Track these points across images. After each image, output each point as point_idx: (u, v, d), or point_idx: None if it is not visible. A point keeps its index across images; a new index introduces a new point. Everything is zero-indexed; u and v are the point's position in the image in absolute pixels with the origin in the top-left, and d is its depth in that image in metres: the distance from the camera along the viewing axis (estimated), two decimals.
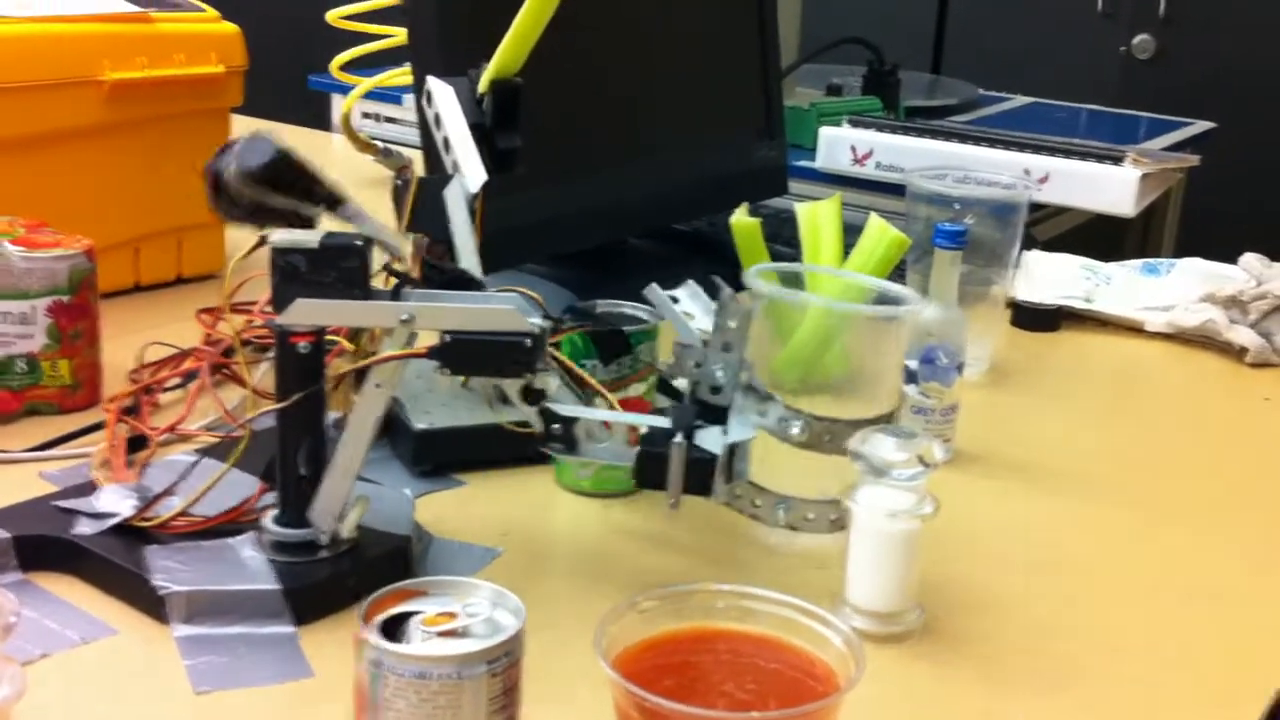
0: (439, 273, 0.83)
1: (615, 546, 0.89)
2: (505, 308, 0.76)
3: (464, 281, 0.82)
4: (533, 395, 0.79)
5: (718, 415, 0.80)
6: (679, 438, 0.76)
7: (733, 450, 0.78)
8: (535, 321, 0.77)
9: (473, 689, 0.55)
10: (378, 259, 0.79)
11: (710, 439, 0.78)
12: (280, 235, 0.76)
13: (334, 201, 0.82)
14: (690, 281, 0.91)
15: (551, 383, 0.79)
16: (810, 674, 0.65)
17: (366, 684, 0.56)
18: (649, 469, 0.78)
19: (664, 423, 0.79)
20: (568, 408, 0.81)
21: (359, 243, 0.76)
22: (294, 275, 0.76)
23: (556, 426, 0.80)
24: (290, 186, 0.80)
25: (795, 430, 0.80)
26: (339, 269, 0.75)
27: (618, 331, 0.92)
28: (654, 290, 0.86)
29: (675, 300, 0.88)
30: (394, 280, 0.80)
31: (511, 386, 0.79)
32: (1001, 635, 0.81)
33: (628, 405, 0.91)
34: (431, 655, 0.55)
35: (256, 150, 0.80)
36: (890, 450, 0.78)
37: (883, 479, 0.78)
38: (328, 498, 0.79)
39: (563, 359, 0.85)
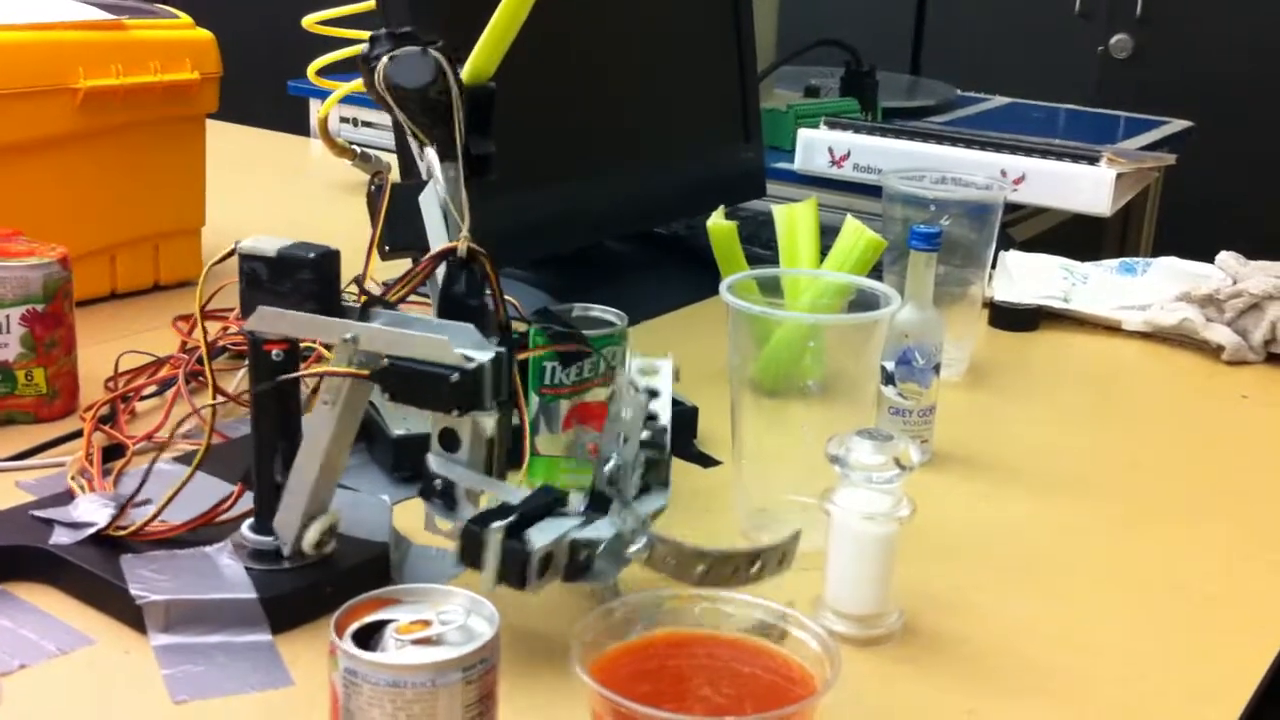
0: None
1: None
2: (438, 338, 0.73)
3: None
4: (446, 439, 0.76)
5: (608, 507, 0.75)
6: (498, 524, 0.71)
7: (576, 547, 0.73)
8: (474, 356, 0.73)
9: (448, 697, 0.55)
10: (346, 270, 0.79)
11: (548, 530, 0.72)
12: (246, 242, 0.76)
13: (445, 152, 0.83)
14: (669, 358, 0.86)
15: (488, 424, 0.75)
16: (787, 677, 0.65)
17: (341, 693, 0.56)
18: (468, 547, 0.72)
19: (514, 499, 0.74)
20: (448, 468, 0.76)
21: (313, 255, 0.75)
22: (257, 283, 0.76)
23: (438, 482, 0.77)
24: (423, 115, 0.81)
25: (636, 547, 0.72)
26: (294, 280, 0.75)
27: (579, 335, 0.92)
28: None
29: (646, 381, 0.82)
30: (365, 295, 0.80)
31: (479, 420, 0.75)
32: (980, 636, 0.82)
33: (588, 410, 0.90)
34: (405, 664, 0.55)
35: (420, 70, 0.80)
36: (867, 453, 0.78)
37: (860, 482, 0.78)
38: (286, 510, 0.79)
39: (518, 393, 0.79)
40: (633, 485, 0.75)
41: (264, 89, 2.18)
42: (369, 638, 0.58)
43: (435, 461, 0.77)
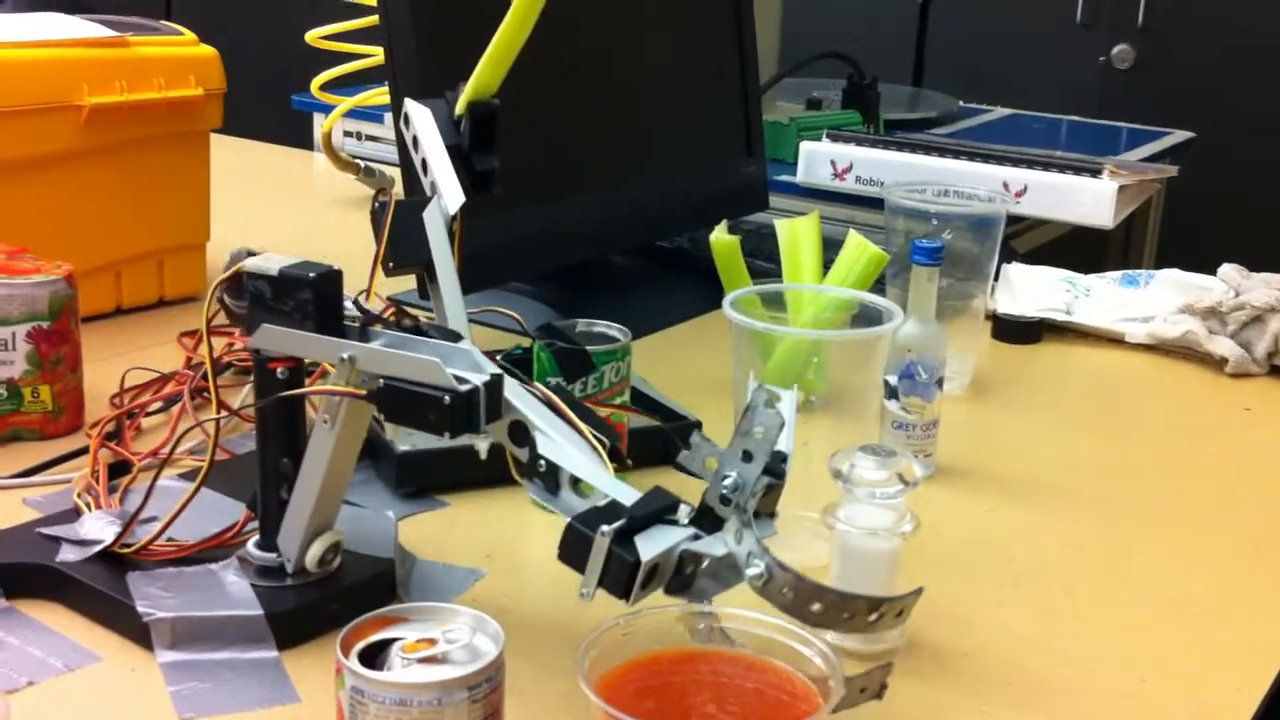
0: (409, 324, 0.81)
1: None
2: (430, 360, 0.72)
3: (436, 333, 0.80)
4: (518, 434, 0.74)
5: (719, 525, 0.70)
6: (608, 528, 0.67)
7: (684, 560, 0.69)
8: (468, 379, 0.72)
9: (454, 715, 0.56)
10: (350, 285, 0.79)
11: (658, 540, 0.69)
12: (251, 261, 0.76)
13: None
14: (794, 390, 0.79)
15: (481, 445, 0.74)
16: (791, 693, 0.65)
17: (347, 712, 0.56)
18: (571, 547, 0.69)
19: (626, 498, 0.71)
20: (557, 452, 0.74)
21: (313, 275, 0.76)
22: (261, 301, 0.76)
23: (542, 464, 0.74)
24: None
25: (754, 570, 0.67)
26: (295, 299, 0.76)
27: (581, 351, 0.92)
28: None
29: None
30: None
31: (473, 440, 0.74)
32: (982, 650, 0.82)
33: None
34: (412, 682, 0.55)
35: (232, 262, 0.79)
36: (870, 469, 0.79)
37: (863, 498, 0.79)
38: (290, 528, 0.79)
39: (558, 401, 0.77)
40: (749, 507, 0.70)
41: (268, 104, 2.19)
42: (375, 656, 0.58)
43: (551, 451, 0.74)
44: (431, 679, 0.55)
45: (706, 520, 0.70)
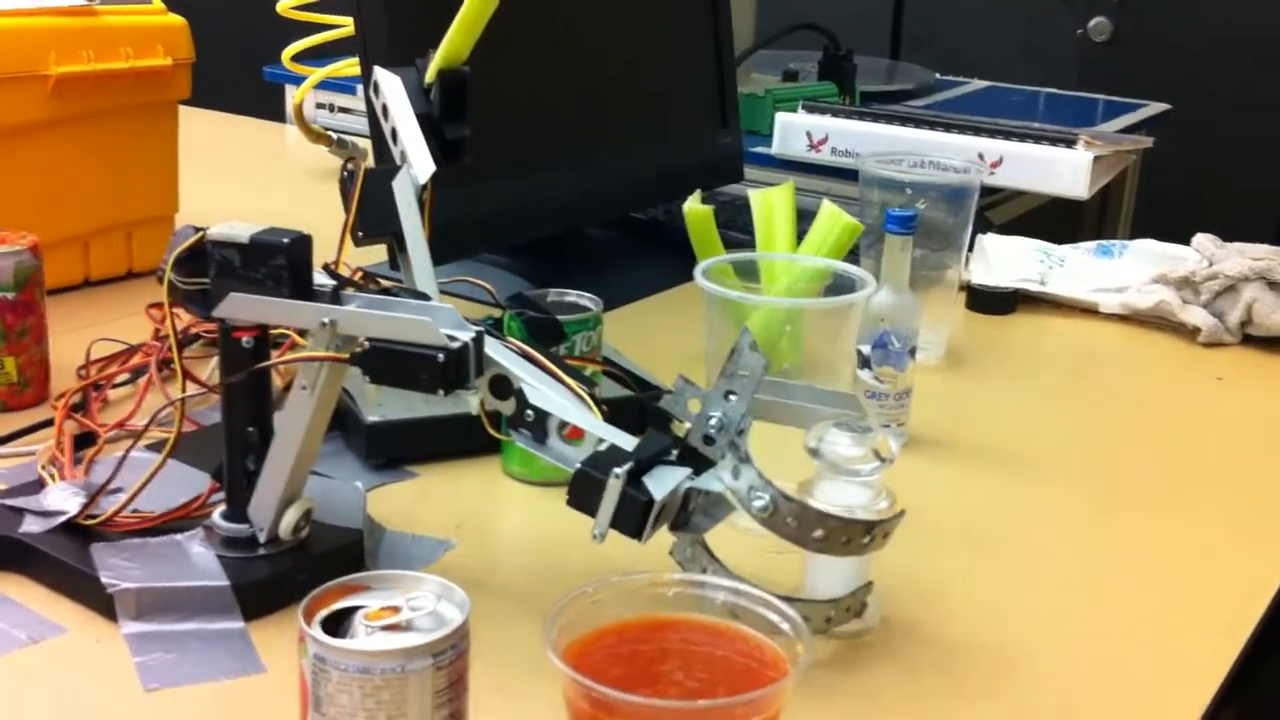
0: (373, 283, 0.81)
1: (570, 536, 0.88)
2: (422, 319, 0.73)
3: (408, 294, 0.80)
4: (500, 388, 0.76)
5: (704, 465, 0.74)
6: (620, 470, 0.70)
7: (687, 498, 0.73)
8: (457, 336, 0.73)
9: (417, 683, 0.55)
10: (319, 257, 0.78)
11: (663, 480, 0.72)
12: (216, 229, 0.75)
13: None
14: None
15: (473, 401, 0.75)
16: (759, 659, 0.65)
17: (310, 680, 0.56)
18: (582, 492, 0.71)
19: (627, 445, 0.73)
20: (545, 399, 0.76)
21: (286, 240, 0.75)
22: (229, 270, 0.75)
23: (529, 414, 0.75)
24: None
25: (759, 504, 0.71)
26: (268, 266, 0.75)
27: (552, 320, 0.91)
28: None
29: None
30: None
31: (462, 396, 0.75)
32: (954, 620, 0.82)
33: None
34: (374, 650, 0.55)
35: (180, 239, 0.79)
36: (845, 445, 0.78)
37: (839, 475, 0.78)
38: (262, 496, 0.78)
39: (532, 353, 0.79)
40: (745, 443, 0.73)
41: (241, 76, 2.17)
42: (339, 624, 0.57)
43: (539, 398, 0.75)
44: (394, 646, 0.55)
45: (691, 460, 0.73)
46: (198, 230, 0.77)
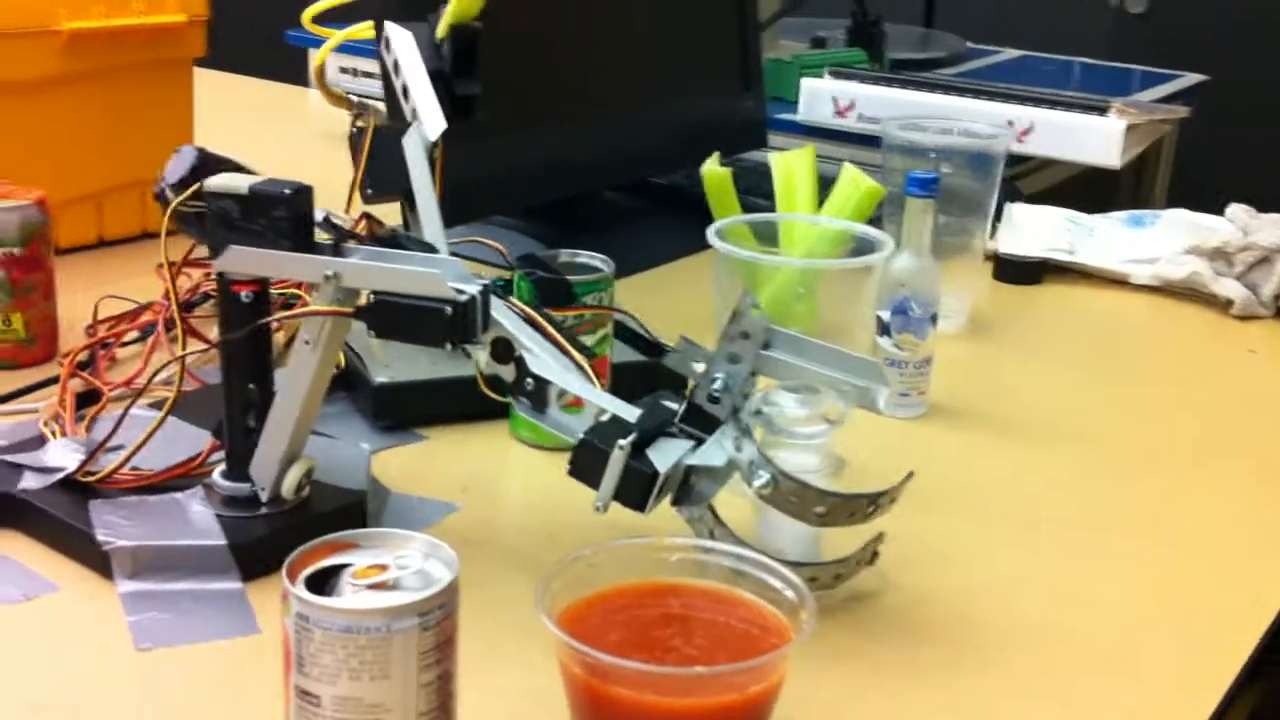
0: (385, 233, 0.79)
1: (576, 501, 0.86)
2: (430, 272, 0.71)
3: (413, 244, 0.78)
4: (501, 351, 0.75)
5: (708, 424, 0.72)
6: (624, 442, 0.69)
7: (690, 471, 0.71)
8: (465, 289, 0.71)
9: (403, 643, 0.53)
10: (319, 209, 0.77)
11: (667, 452, 0.71)
12: (214, 180, 0.74)
13: None
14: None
15: (480, 356, 0.74)
16: (762, 626, 0.63)
17: (293, 639, 0.54)
18: (584, 463, 0.70)
19: (629, 416, 0.72)
20: (547, 368, 0.74)
21: (287, 191, 0.73)
22: (227, 221, 0.74)
23: (529, 382, 0.74)
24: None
25: (760, 481, 0.70)
26: (269, 218, 0.73)
27: (562, 280, 0.89)
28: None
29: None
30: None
31: (471, 352, 0.74)
32: (967, 590, 0.79)
33: None
34: (358, 608, 0.53)
35: (181, 160, 0.78)
36: (791, 406, 0.75)
37: (783, 438, 0.76)
38: (264, 455, 0.77)
39: (536, 316, 0.77)
40: (745, 416, 0.72)
41: (265, 40, 2.15)
42: (325, 583, 0.56)
43: (540, 367, 0.74)
44: (379, 605, 0.53)
45: (696, 418, 0.72)
46: (200, 151, 0.76)
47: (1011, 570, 0.82)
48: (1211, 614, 0.79)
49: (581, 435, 0.71)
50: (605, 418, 0.72)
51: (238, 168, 0.78)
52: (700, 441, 0.72)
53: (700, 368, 0.74)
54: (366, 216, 0.79)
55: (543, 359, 0.74)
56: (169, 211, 0.77)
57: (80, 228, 1.23)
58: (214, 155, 0.78)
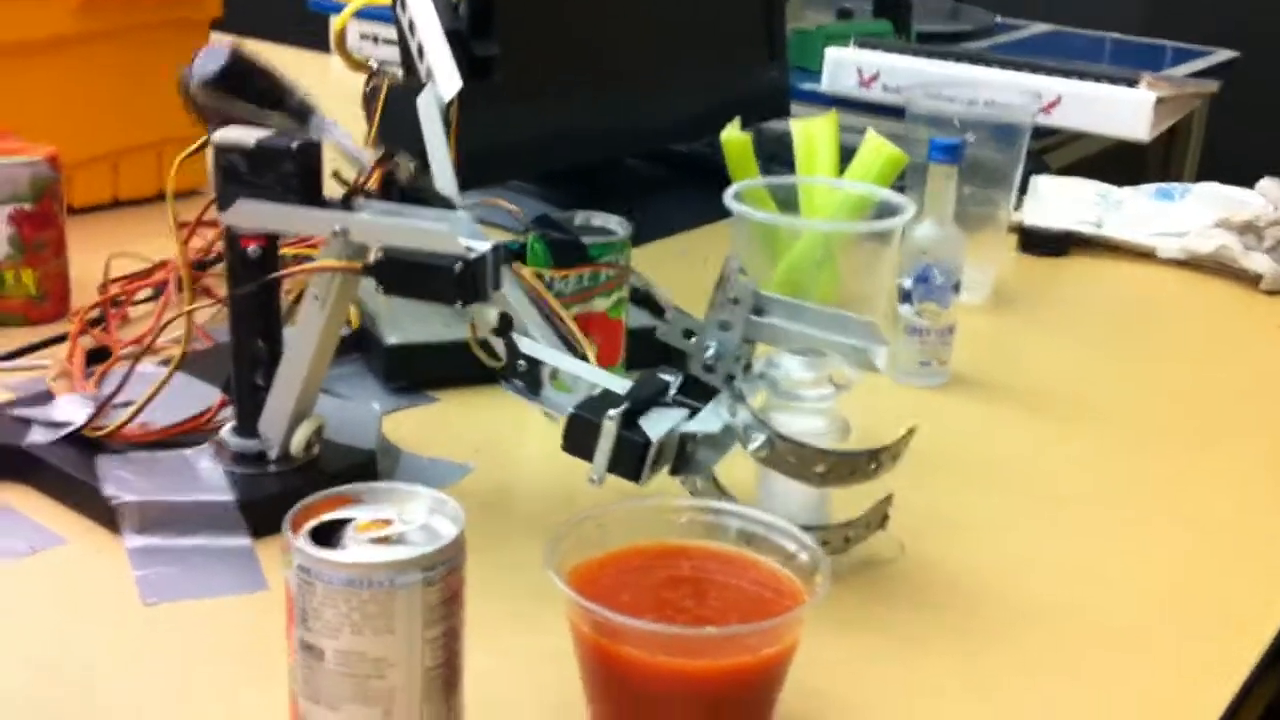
0: (408, 187, 0.78)
1: (588, 465, 0.86)
2: (438, 227, 0.70)
3: (433, 198, 0.77)
4: (502, 323, 0.73)
5: (706, 393, 0.71)
6: (614, 412, 0.68)
7: (688, 440, 0.70)
8: (474, 245, 0.70)
9: (406, 598, 0.52)
10: (327, 164, 0.75)
11: (659, 422, 0.69)
12: (221, 133, 0.73)
13: (301, 111, 0.78)
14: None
15: (490, 315, 0.72)
16: (775, 589, 0.62)
17: (295, 593, 0.53)
18: (577, 436, 0.69)
19: (620, 389, 0.71)
20: (536, 348, 0.74)
21: (294, 145, 0.72)
22: (235, 175, 0.72)
23: (521, 363, 0.74)
24: (251, 92, 0.77)
25: (755, 444, 0.69)
26: (276, 172, 0.72)
27: (576, 241, 0.88)
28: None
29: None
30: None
31: (479, 313, 0.73)
32: (979, 562, 0.78)
33: (589, 320, 0.87)
34: (362, 562, 0.52)
35: (213, 57, 0.76)
36: (796, 370, 0.74)
37: (788, 401, 0.74)
38: (273, 412, 0.76)
39: (538, 288, 0.78)
40: (739, 383, 0.71)
41: (286, 4, 2.14)
42: (329, 536, 0.55)
43: (530, 346, 0.74)
44: (383, 559, 0.52)
45: (694, 388, 0.71)
46: (234, 53, 0.74)
47: (1026, 544, 0.81)
48: (1228, 598, 0.77)
49: (571, 410, 0.69)
50: (596, 392, 0.71)
51: (271, 78, 0.76)
52: (696, 410, 0.71)
53: (687, 336, 0.72)
54: (388, 156, 0.77)
55: (532, 338, 0.74)
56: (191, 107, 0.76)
57: (95, 188, 1.23)
58: (247, 62, 0.75)
